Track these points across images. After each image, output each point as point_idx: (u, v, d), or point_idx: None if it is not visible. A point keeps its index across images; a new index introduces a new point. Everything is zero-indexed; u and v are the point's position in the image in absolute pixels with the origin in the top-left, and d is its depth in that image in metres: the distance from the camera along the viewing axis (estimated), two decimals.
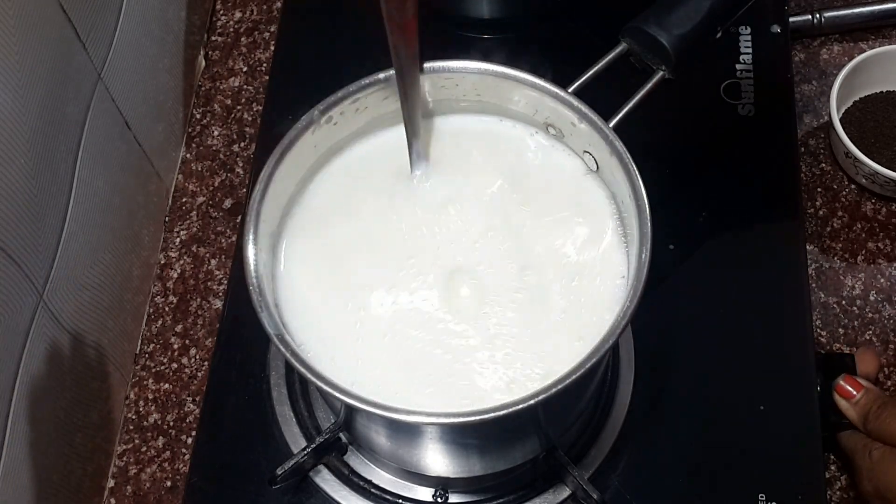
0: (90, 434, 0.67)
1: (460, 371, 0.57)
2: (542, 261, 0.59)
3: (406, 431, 0.57)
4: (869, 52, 0.79)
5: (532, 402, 0.48)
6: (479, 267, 0.58)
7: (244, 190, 0.81)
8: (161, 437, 0.72)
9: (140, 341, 0.75)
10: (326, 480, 0.66)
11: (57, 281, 0.61)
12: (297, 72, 0.82)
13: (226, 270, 0.77)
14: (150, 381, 0.74)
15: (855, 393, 0.66)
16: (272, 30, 0.88)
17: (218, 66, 0.87)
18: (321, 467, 0.66)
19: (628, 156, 0.54)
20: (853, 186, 0.79)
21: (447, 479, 0.64)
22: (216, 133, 0.84)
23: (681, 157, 0.78)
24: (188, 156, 0.83)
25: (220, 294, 0.76)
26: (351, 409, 0.55)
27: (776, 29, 0.82)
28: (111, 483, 0.71)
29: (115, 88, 0.69)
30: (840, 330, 0.74)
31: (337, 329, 0.56)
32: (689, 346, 0.70)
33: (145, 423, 0.72)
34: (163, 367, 0.74)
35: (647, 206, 0.52)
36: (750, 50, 0.81)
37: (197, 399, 0.73)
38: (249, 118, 0.84)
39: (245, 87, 0.86)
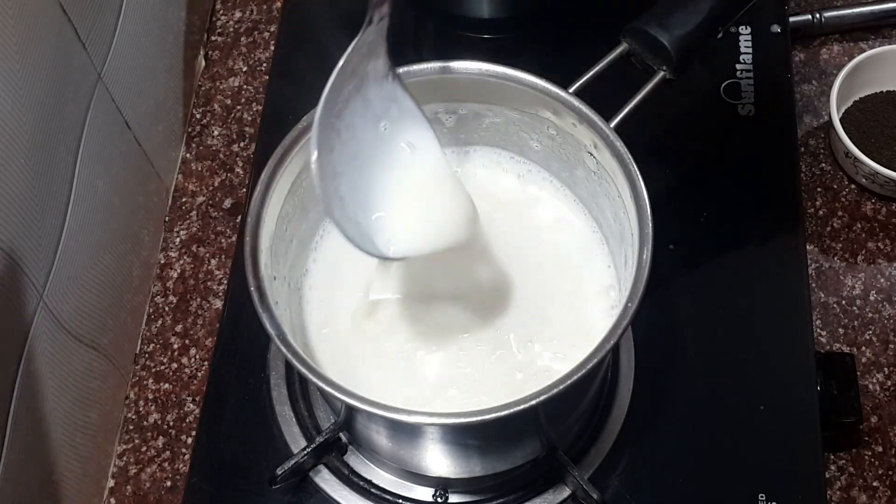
0: (90, 434, 0.67)
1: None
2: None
3: (406, 432, 0.57)
4: (869, 52, 0.79)
5: (532, 402, 0.48)
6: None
7: (244, 190, 0.80)
8: (161, 437, 0.72)
9: (140, 341, 0.75)
10: (326, 480, 0.66)
11: (57, 281, 0.61)
12: (297, 72, 0.82)
13: (226, 270, 0.77)
14: (150, 381, 0.74)
15: None
16: (272, 30, 0.88)
17: (218, 66, 0.87)
18: (321, 467, 0.66)
19: (629, 156, 0.54)
20: (853, 186, 0.79)
21: (447, 479, 0.64)
22: (216, 133, 0.84)
23: (681, 157, 0.78)
24: (188, 156, 0.83)
25: (220, 294, 0.76)
26: (351, 409, 0.55)
27: (776, 29, 0.82)
28: (111, 483, 0.71)
29: (115, 88, 0.69)
30: (840, 330, 0.74)
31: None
32: (689, 346, 0.70)
33: (145, 423, 0.72)
34: (163, 367, 0.74)
35: (647, 205, 0.52)
36: (750, 50, 0.81)
37: (197, 399, 0.73)
38: (249, 118, 0.84)
39: (245, 87, 0.86)
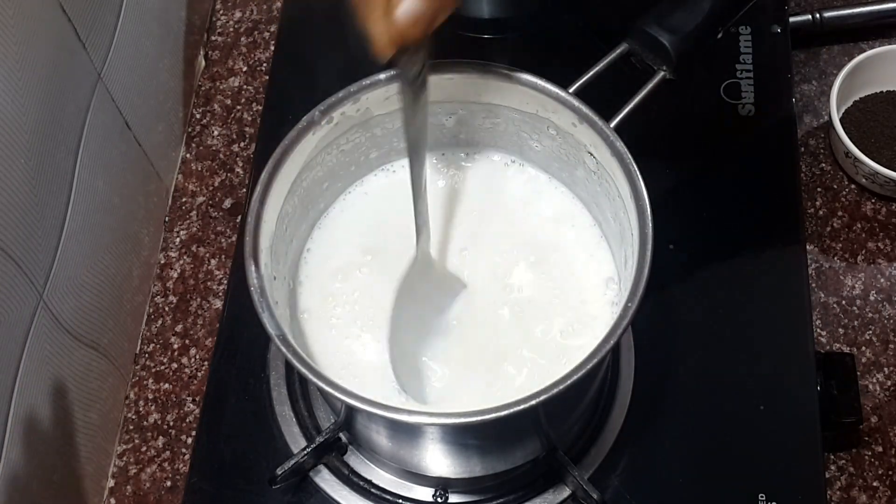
0: (90, 434, 0.67)
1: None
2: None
3: (406, 432, 0.57)
4: (869, 52, 0.79)
5: (532, 402, 0.48)
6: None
7: (244, 190, 0.80)
8: (161, 437, 0.72)
9: (140, 341, 0.75)
10: (326, 480, 0.66)
11: (57, 281, 0.61)
12: (297, 72, 0.82)
13: (226, 270, 0.77)
14: (150, 381, 0.74)
15: None
16: (272, 30, 0.88)
17: (218, 66, 0.87)
18: (321, 467, 0.66)
19: (629, 156, 0.54)
20: (853, 186, 0.79)
21: (447, 479, 0.64)
22: (216, 133, 0.84)
23: (681, 157, 0.78)
24: (188, 156, 0.83)
25: (220, 294, 0.76)
26: (351, 409, 0.55)
27: (776, 29, 0.82)
28: (111, 483, 0.71)
29: (115, 88, 0.69)
30: (840, 330, 0.74)
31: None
32: (689, 346, 0.70)
33: (145, 423, 0.72)
34: (163, 367, 0.74)
35: (647, 205, 0.52)
36: (750, 50, 0.81)
37: (197, 399, 0.73)
38: (249, 118, 0.84)
39: (245, 87, 0.86)
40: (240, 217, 0.79)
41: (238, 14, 0.89)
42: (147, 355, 0.75)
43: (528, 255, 0.62)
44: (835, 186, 0.80)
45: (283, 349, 0.50)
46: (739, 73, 0.80)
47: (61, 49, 0.61)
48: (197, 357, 0.74)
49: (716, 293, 0.72)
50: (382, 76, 0.56)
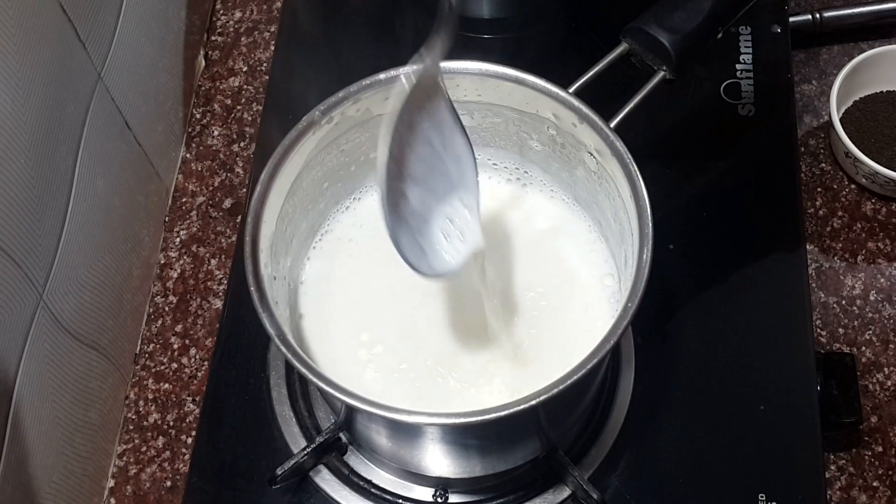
0: (90, 434, 0.67)
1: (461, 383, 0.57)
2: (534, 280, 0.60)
3: (406, 432, 0.57)
4: (869, 52, 0.80)
5: (533, 402, 0.48)
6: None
7: (244, 190, 0.81)
8: (161, 437, 0.72)
9: (140, 341, 0.75)
10: (326, 480, 0.66)
11: (57, 281, 0.61)
12: (297, 72, 0.82)
13: (226, 270, 0.77)
14: (150, 381, 0.74)
15: None
16: (272, 30, 0.88)
17: (218, 66, 0.87)
18: (321, 467, 0.66)
19: (629, 156, 0.54)
20: (853, 186, 0.79)
21: (447, 479, 0.64)
22: (216, 133, 0.84)
23: (681, 157, 0.78)
24: (188, 156, 0.83)
25: (220, 294, 0.76)
26: (351, 409, 0.55)
27: (776, 29, 0.82)
28: (111, 483, 0.71)
29: (115, 88, 0.69)
30: (840, 330, 0.74)
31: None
32: (689, 346, 0.70)
33: (145, 423, 0.72)
34: (163, 367, 0.74)
35: (647, 205, 0.53)
36: (750, 50, 0.81)
37: (197, 399, 0.73)
38: (249, 118, 0.84)
39: (245, 87, 0.86)
40: (240, 217, 0.79)
41: (238, 14, 0.90)
42: (147, 355, 0.75)
43: (526, 257, 0.62)
44: (835, 186, 0.80)
45: (283, 349, 0.50)
46: (739, 73, 0.80)
47: (61, 49, 0.61)
48: (197, 357, 0.74)
49: (716, 293, 0.72)
50: (382, 76, 0.56)
